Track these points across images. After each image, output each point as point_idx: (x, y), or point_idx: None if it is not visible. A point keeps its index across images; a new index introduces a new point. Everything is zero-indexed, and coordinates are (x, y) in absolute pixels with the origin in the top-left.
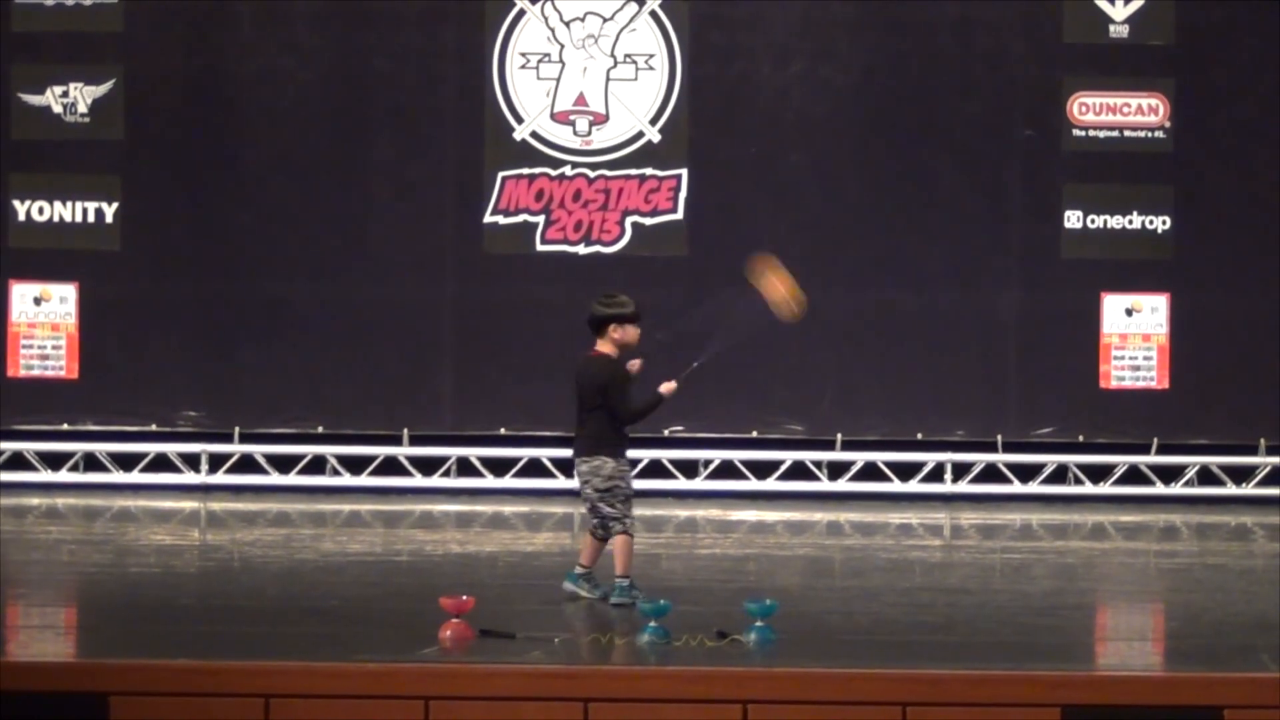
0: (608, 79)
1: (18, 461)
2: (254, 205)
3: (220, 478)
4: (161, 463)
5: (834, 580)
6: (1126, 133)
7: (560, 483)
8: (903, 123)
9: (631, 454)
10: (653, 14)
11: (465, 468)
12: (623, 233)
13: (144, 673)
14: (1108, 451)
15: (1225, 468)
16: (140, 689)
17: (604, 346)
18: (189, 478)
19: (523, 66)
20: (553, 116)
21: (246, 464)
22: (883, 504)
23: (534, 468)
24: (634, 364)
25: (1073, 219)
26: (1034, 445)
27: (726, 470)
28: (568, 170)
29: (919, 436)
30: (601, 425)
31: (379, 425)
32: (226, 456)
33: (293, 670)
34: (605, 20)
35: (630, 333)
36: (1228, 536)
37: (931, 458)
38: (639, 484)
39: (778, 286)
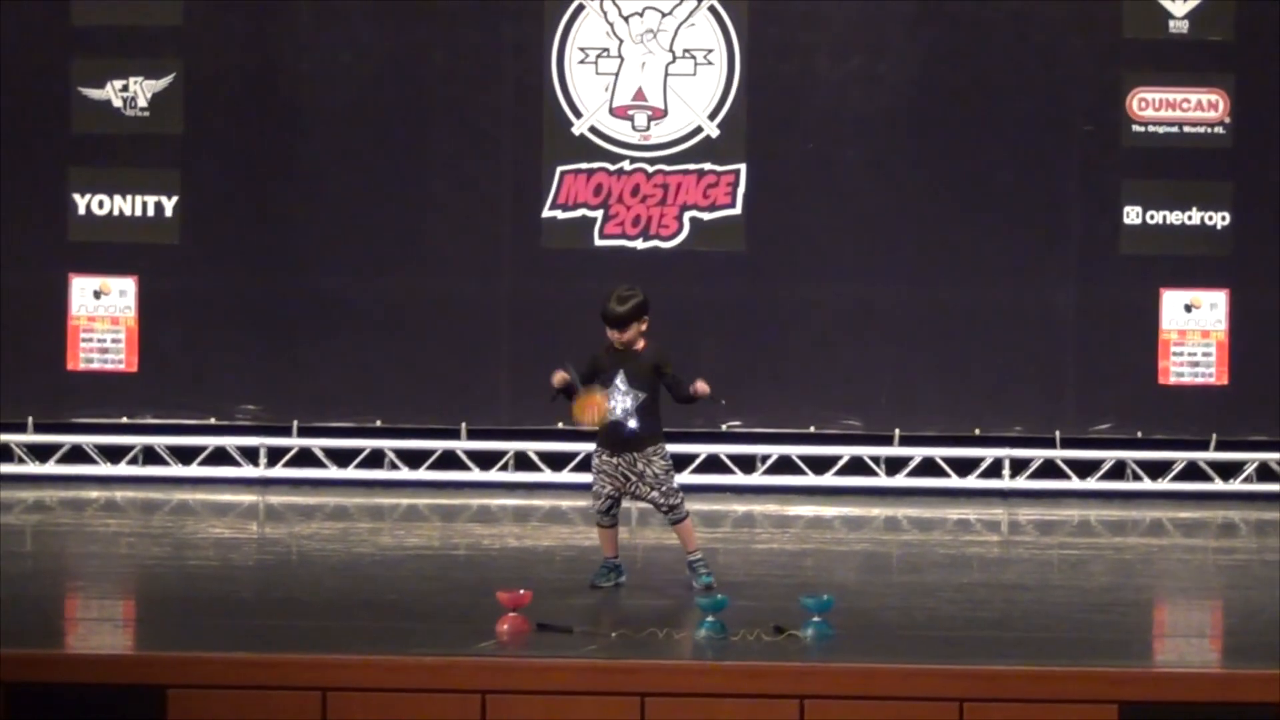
0: (666, 74)
1: (77, 454)
2: (312, 200)
3: (278, 471)
4: (220, 456)
5: (891, 576)
6: (1186, 129)
7: None
8: (960, 119)
9: (689, 449)
10: (711, 9)
11: (522, 462)
12: (681, 228)
13: (201, 666)
14: (1166, 448)
15: None
16: (197, 682)
17: (630, 336)
18: (247, 471)
19: (581, 61)
20: (611, 111)
21: (304, 457)
22: (940, 499)
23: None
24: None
25: (1132, 215)
26: (1092, 441)
27: (784, 465)
28: (626, 165)
29: (977, 432)
30: (657, 411)
31: (436, 419)
32: (285, 450)
33: (350, 664)
34: (664, 15)
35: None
36: None
37: (989, 453)
38: (697, 479)
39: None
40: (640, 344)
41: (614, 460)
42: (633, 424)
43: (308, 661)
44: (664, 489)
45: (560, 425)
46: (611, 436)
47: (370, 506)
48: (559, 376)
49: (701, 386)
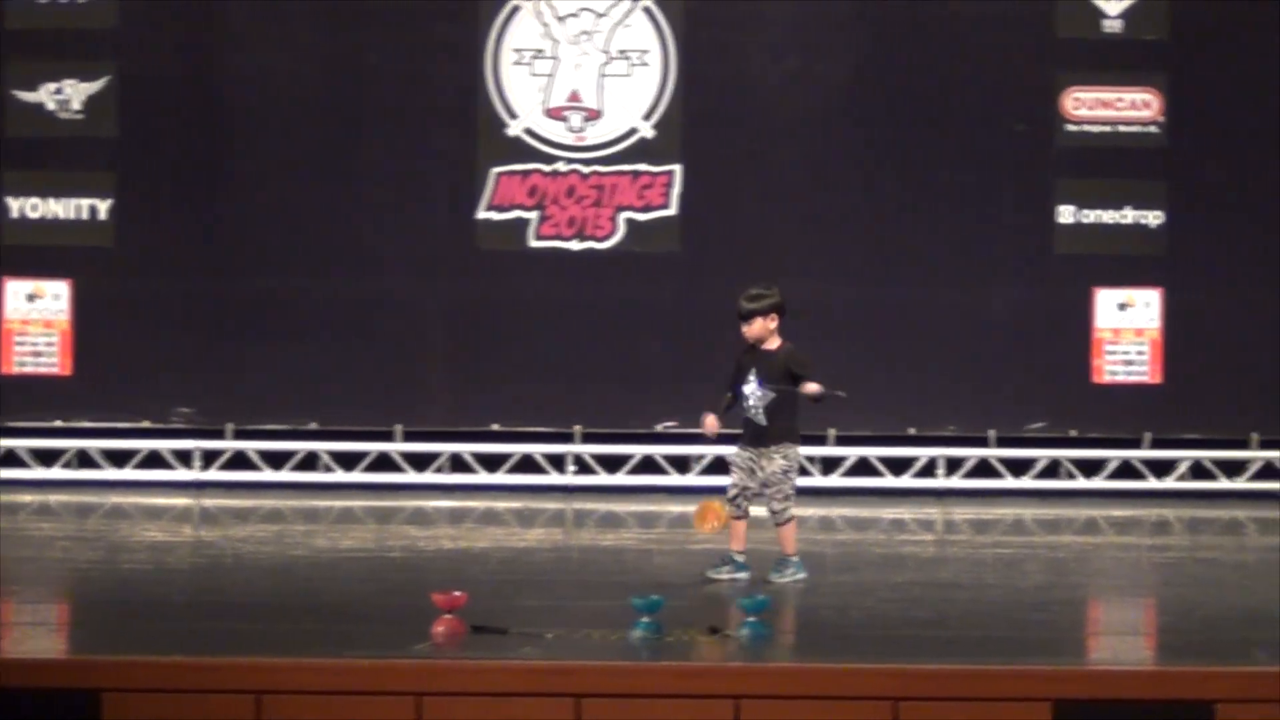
0: (601, 75)
1: (11, 458)
2: (247, 202)
3: (213, 474)
4: (154, 459)
5: (826, 575)
6: (1120, 128)
7: (553, 478)
8: (895, 119)
9: (623, 449)
10: (646, 10)
11: (458, 464)
12: (616, 229)
13: (136, 669)
14: (1100, 446)
15: (1218, 462)
16: (132, 685)
17: (756, 331)
18: (182, 474)
19: (516, 63)
20: (546, 113)
21: (239, 460)
22: (875, 499)
23: (527, 463)
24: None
25: (1065, 214)
26: (1026, 440)
27: (720, 466)
28: (561, 166)
29: (911, 432)
30: (791, 411)
31: (372, 421)
32: (219, 453)
33: (285, 667)
34: (599, 16)
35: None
36: (1220, 531)
37: (924, 453)
38: (633, 480)
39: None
40: (775, 344)
41: (745, 453)
42: (761, 420)
43: (243, 664)
44: (774, 488)
45: (495, 427)
46: (746, 431)
47: (305, 509)
48: (710, 424)
49: (810, 388)
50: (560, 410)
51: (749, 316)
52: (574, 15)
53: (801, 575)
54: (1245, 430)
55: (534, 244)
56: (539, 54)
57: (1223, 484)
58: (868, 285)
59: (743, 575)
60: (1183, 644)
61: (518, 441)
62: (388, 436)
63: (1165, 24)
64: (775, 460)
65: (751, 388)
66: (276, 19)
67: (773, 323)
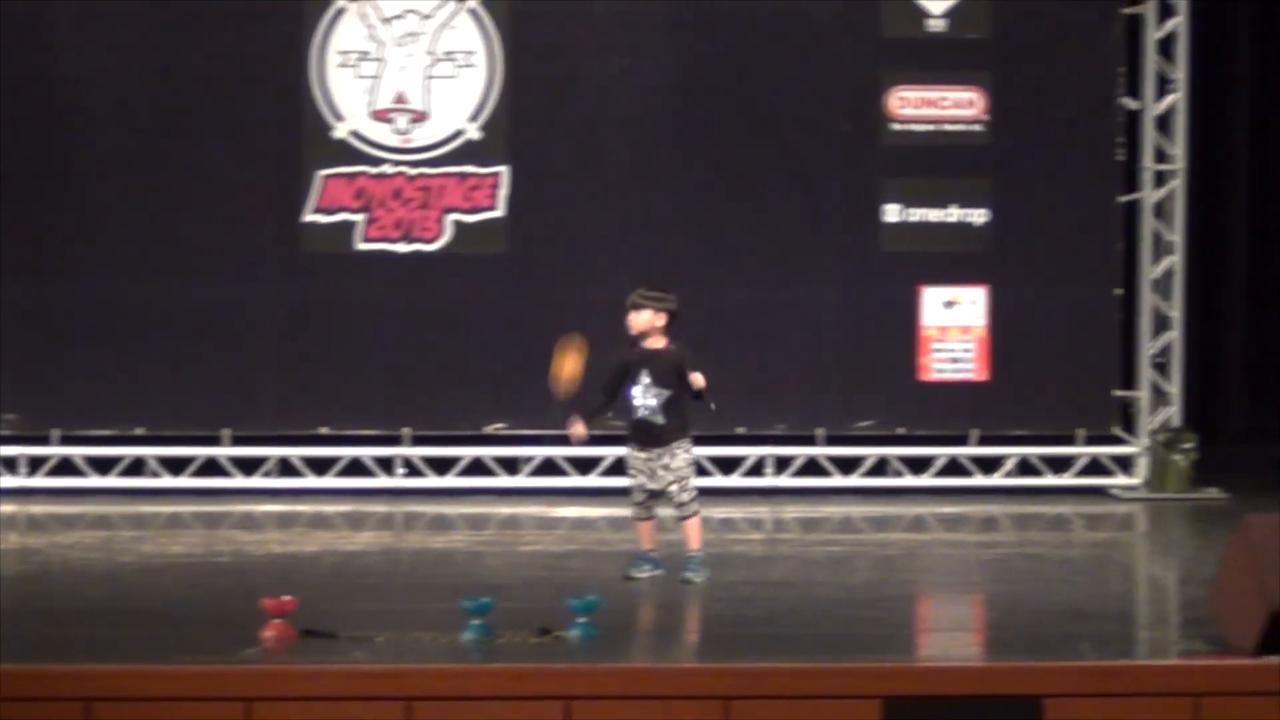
0: (427, 77)
1: None
2: (73, 205)
3: (39, 480)
4: None
5: (656, 575)
6: (945, 127)
7: (382, 481)
8: (723, 119)
9: (451, 451)
10: (472, 11)
11: (286, 468)
12: (443, 230)
13: None
14: (927, 444)
15: (1044, 458)
16: None
17: (642, 325)
18: (6, 481)
19: (341, 64)
20: (372, 115)
21: (65, 466)
22: (704, 499)
23: (355, 466)
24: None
25: (891, 212)
26: (854, 439)
27: (549, 467)
28: (388, 168)
29: (740, 431)
30: (682, 408)
31: (199, 426)
32: (45, 459)
33: (113, 674)
34: (424, 18)
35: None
36: (1046, 526)
37: (753, 452)
38: (461, 482)
39: (566, 367)
40: (662, 343)
41: (643, 455)
42: (659, 420)
43: (71, 672)
44: (681, 483)
45: (324, 430)
46: (640, 433)
47: (132, 515)
48: (578, 431)
49: (697, 379)
50: (388, 413)
51: (639, 307)
52: (399, 17)
53: (706, 572)
54: (1071, 427)
55: (361, 246)
56: (364, 56)
57: (1049, 480)
58: (695, 285)
59: (659, 571)
60: (1010, 639)
61: (346, 445)
62: (215, 441)
63: (988, 23)
64: (678, 455)
65: (643, 389)
66: (101, 19)
67: (661, 321)
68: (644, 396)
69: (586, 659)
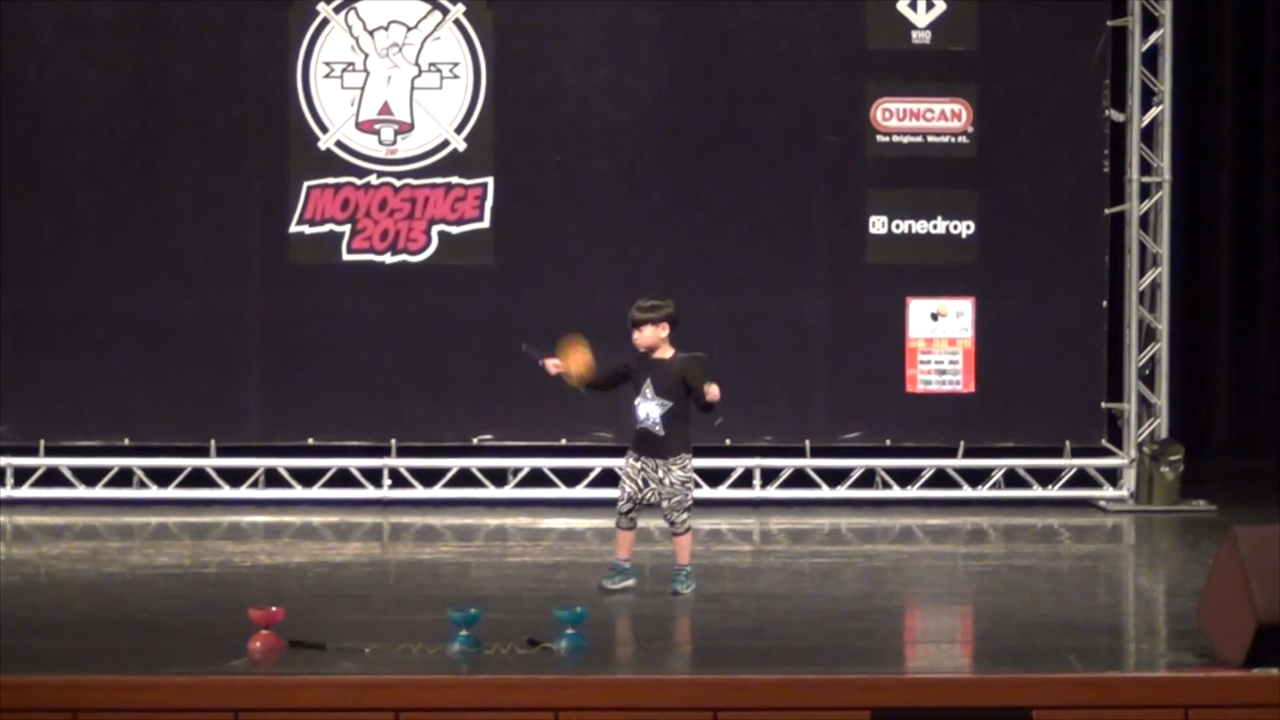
0: (412, 88)
1: None
2: (57, 216)
3: (25, 491)
4: None
5: (644, 586)
6: (930, 138)
7: (369, 492)
8: (707, 129)
9: (439, 462)
10: (457, 22)
11: (273, 478)
12: (429, 242)
13: None
14: (914, 455)
15: (1031, 470)
16: None
17: (648, 340)
18: None
19: (327, 75)
20: (358, 126)
21: (52, 477)
22: (692, 510)
23: (342, 477)
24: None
25: (877, 224)
26: (842, 450)
27: (536, 478)
28: (373, 179)
29: (727, 442)
30: (686, 421)
31: (186, 437)
32: (31, 470)
33: (100, 684)
34: (409, 29)
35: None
36: (1034, 538)
37: (740, 463)
38: (449, 493)
39: (575, 361)
40: (668, 353)
41: (638, 464)
42: (660, 431)
43: (58, 682)
44: (674, 500)
45: (311, 441)
46: (641, 442)
47: (119, 525)
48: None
49: (713, 391)
50: (375, 424)
51: (639, 324)
52: (384, 28)
53: (693, 585)
54: (1058, 438)
55: (347, 257)
56: (349, 67)
57: (1036, 492)
58: (681, 296)
59: (632, 582)
60: (998, 651)
61: (333, 456)
62: (202, 452)
63: (973, 35)
64: (674, 471)
65: (647, 400)
66: (83, 29)
67: (664, 331)
68: (647, 407)
69: (574, 670)
